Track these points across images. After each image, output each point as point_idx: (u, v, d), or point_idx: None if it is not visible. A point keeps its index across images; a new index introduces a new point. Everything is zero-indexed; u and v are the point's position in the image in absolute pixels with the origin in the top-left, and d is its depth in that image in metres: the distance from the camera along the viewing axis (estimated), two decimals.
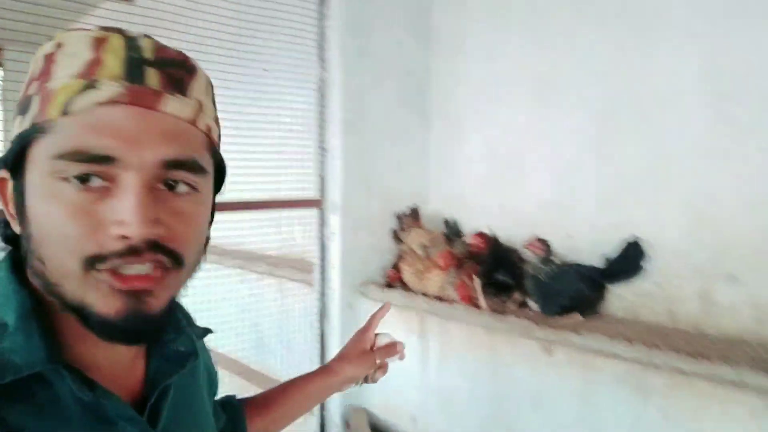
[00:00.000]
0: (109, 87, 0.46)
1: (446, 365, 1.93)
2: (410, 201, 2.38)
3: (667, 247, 1.72)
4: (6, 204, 0.52)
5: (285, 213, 2.27)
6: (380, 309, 1.01)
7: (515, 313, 1.80)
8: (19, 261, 0.51)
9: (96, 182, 0.46)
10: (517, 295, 1.95)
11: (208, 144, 0.53)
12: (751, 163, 1.55)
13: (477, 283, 1.94)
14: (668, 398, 1.38)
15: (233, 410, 0.82)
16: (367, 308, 2.20)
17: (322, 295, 2.23)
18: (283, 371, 2.38)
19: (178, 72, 0.50)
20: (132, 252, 0.46)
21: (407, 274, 2.14)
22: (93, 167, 0.45)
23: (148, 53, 0.49)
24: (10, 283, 0.50)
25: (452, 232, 2.28)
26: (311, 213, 2.24)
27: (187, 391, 0.63)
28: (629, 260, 1.73)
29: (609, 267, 1.77)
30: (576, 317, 1.74)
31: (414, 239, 2.22)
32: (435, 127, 2.42)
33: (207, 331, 0.69)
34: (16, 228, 0.50)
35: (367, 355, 0.96)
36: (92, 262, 0.46)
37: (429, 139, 2.43)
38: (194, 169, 0.50)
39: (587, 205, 1.91)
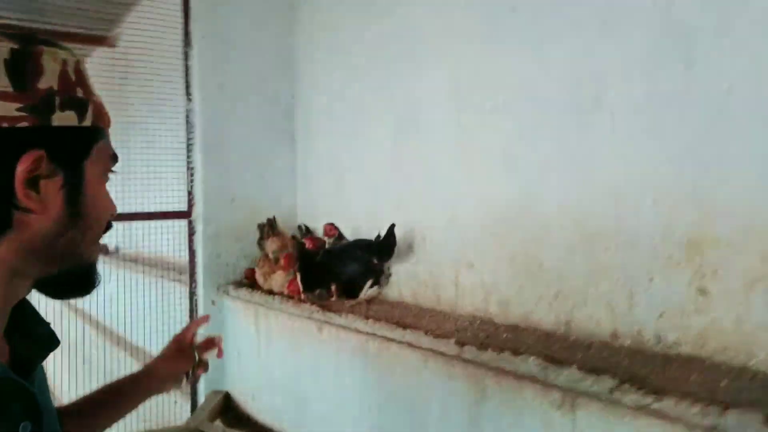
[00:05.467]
0: None
1: (270, 349, 2.24)
2: (277, 211, 2.71)
3: (435, 241, 1.99)
4: (37, 186, 0.58)
5: (167, 223, 2.65)
6: (201, 318, 1.16)
7: (316, 302, 2.10)
8: None
9: None
10: (334, 287, 2.25)
11: None
12: (479, 166, 1.82)
13: (298, 277, 2.25)
14: (378, 359, 1.66)
15: None
16: (228, 305, 2.54)
17: (191, 294, 2.59)
18: None
19: None
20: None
21: (258, 275, 2.47)
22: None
23: None
24: None
25: (302, 237, 2.61)
26: (182, 223, 2.62)
27: (41, 382, 0.68)
28: (390, 238, 2.01)
29: (378, 241, 2.05)
30: (363, 293, 2.04)
31: (270, 245, 2.55)
32: (299, 145, 2.77)
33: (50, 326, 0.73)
34: (34, 204, 0.58)
35: (185, 351, 1.02)
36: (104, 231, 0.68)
37: (295, 156, 2.78)
38: None
39: (388, 210, 2.20)
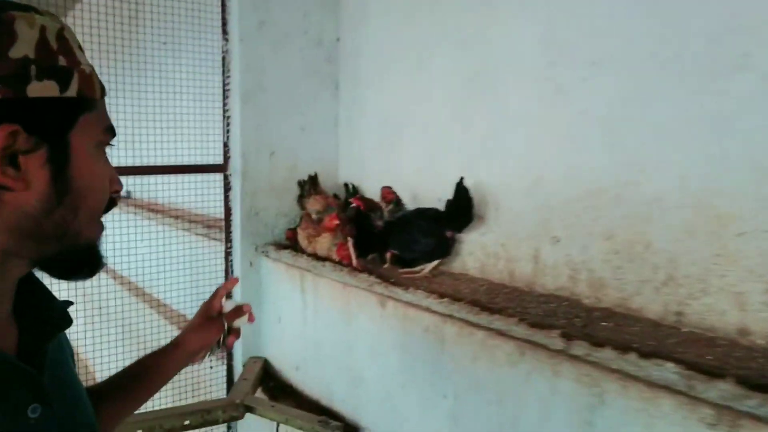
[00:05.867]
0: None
1: (318, 318, 2.07)
2: (319, 167, 2.50)
3: (511, 210, 1.79)
4: (16, 162, 0.54)
5: (199, 177, 2.43)
6: (228, 282, 1.08)
7: (373, 270, 1.91)
8: None
9: None
10: (389, 254, 2.07)
11: None
12: (573, 130, 1.60)
13: (350, 242, 2.06)
14: (456, 345, 1.49)
15: None
16: (267, 266, 2.37)
17: (227, 254, 2.41)
18: None
19: None
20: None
21: (300, 237, 2.28)
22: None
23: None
24: None
25: (350, 197, 2.40)
26: (218, 177, 2.40)
27: (60, 356, 0.67)
28: (463, 200, 1.80)
29: (450, 208, 1.84)
30: (428, 267, 1.86)
31: (311, 205, 2.35)
32: (343, 95, 2.52)
33: (68, 302, 0.70)
34: (13, 181, 0.54)
35: (214, 322, 0.99)
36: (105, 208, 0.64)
37: (338, 107, 2.54)
38: None
39: (454, 170, 1.98)
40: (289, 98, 2.41)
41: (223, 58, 2.33)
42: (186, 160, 2.36)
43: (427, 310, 1.60)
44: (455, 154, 1.98)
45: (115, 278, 2.82)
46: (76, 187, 0.59)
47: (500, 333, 1.38)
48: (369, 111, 2.39)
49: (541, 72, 1.67)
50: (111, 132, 0.64)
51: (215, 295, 1.03)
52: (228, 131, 2.35)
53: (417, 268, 1.97)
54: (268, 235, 2.42)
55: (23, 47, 0.54)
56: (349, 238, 2.07)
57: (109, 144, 0.65)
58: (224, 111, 2.35)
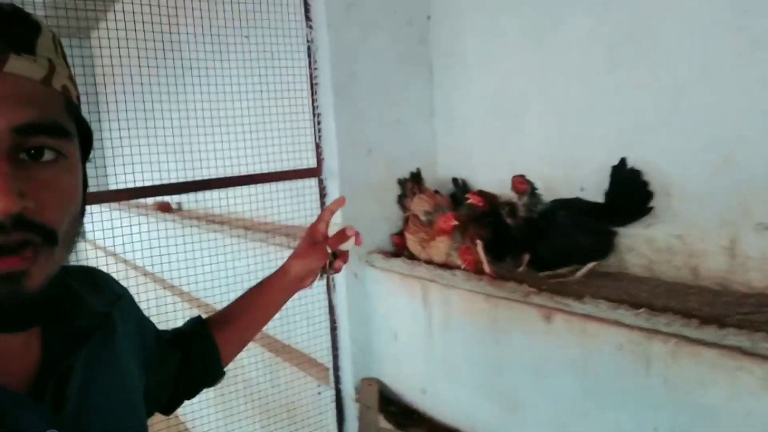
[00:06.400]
0: None
1: (450, 335, 1.81)
2: (418, 162, 2.23)
3: (689, 195, 1.50)
4: None
5: (284, 185, 2.19)
6: (334, 201, 1.02)
7: (516, 278, 1.64)
8: None
9: None
10: (526, 256, 1.79)
11: (67, 105, 0.49)
12: None
13: (479, 246, 1.79)
14: (671, 368, 1.21)
15: (200, 330, 0.86)
16: (375, 277, 2.11)
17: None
18: (302, 342, 2.35)
19: (18, 29, 0.46)
20: None
21: (411, 242, 2.02)
22: None
23: None
24: None
25: (461, 193, 2.13)
26: (311, 183, 2.15)
27: (101, 367, 0.59)
28: (631, 186, 1.51)
29: (609, 199, 1.55)
30: (582, 269, 1.58)
31: (417, 205, 2.08)
32: (439, 79, 2.24)
33: (119, 297, 0.68)
34: None
35: (318, 246, 0.95)
36: None
37: (433, 94, 2.26)
38: (56, 133, 0.46)
39: (600, 153, 1.69)
40: (382, 88, 2.14)
41: (308, 48, 2.07)
42: (273, 167, 2.12)
43: (617, 323, 1.32)
44: (598, 133, 1.70)
45: (183, 296, 2.61)
46: None
47: (742, 351, 1.10)
48: (473, 95, 2.11)
49: (729, 22, 1.37)
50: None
51: (320, 219, 0.98)
52: (319, 130, 2.10)
53: (563, 271, 1.69)
54: (370, 241, 2.17)
55: None
56: (478, 241, 1.80)
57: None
58: (314, 107, 2.10)
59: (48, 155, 0.46)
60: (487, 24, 2.01)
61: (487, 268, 1.77)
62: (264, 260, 2.17)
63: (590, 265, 1.63)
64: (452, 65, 2.18)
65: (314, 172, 2.12)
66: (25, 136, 0.44)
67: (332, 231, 0.99)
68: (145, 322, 0.76)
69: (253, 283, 0.97)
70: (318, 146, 2.11)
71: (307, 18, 2.05)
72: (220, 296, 2.19)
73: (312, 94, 2.09)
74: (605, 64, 1.65)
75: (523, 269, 1.80)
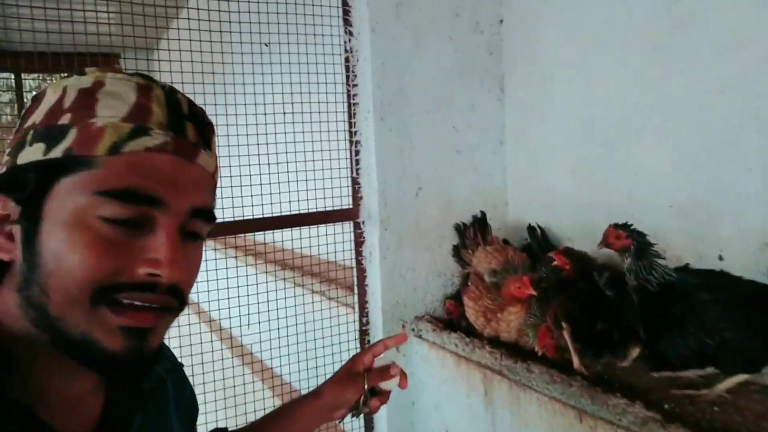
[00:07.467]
0: (159, 135, 0.50)
1: None
2: (482, 204, 1.75)
3: None
4: (9, 232, 0.50)
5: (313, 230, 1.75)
6: (394, 336, 0.90)
7: (620, 381, 1.12)
8: None
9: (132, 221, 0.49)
10: (635, 348, 1.27)
11: (214, 192, 0.58)
12: None
13: (566, 329, 1.28)
14: None
15: None
16: (422, 354, 1.63)
17: (362, 332, 1.71)
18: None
19: (206, 129, 0.55)
20: (151, 289, 0.49)
21: (470, 311, 1.53)
22: (140, 208, 0.49)
23: (185, 108, 0.54)
24: None
25: (539, 245, 1.62)
26: (345, 228, 1.71)
27: (154, 429, 0.61)
28: None
29: None
30: (727, 382, 1.04)
31: (481, 260, 1.60)
32: (512, 98, 1.76)
33: (176, 368, 0.70)
34: (14, 255, 0.49)
35: (355, 379, 0.87)
36: (104, 293, 0.47)
37: (504, 116, 1.78)
38: (209, 218, 0.54)
39: (751, 202, 1.16)
40: (438, 108, 1.69)
41: (347, 59, 1.65)
42: (301, 207, 1.69)
43: None
44: (751, 175, 1.16)
45: (219, 337, 2.21)
46: (42, 263, 0.48)
47: None
48: (558, 117, 1.62)
49: None
50: (124, 197, 0.48)
51: (369, 349, 0.89)
52: (357, 161, 1.66)
53: (692, 375, 1.16)
54: (418, 303, 1.70)
55: (36, 115, 0.51)
56: (565, 325, 1.29)
57: (113, 219, 0.48)
58: (351, 133, 1.67)
59: (194, 236, 0.53)
60: (578, 27, 1.52)
61: (576, 362, 1.26)
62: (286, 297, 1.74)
63: (739, 378, 1.08)
64: (530, 80, 1.69)
65: (349, 215, 1.68)
66: (192, 218, 0.52)
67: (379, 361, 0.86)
68: (195, 400, 0.75)
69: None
70: (355, 182, 1.67)
71: (346, 21, 1.64)
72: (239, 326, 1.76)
73: (349, 117, 1.66)
74: (761, 71, 1.12)
75: (628, 364, 1.28)
